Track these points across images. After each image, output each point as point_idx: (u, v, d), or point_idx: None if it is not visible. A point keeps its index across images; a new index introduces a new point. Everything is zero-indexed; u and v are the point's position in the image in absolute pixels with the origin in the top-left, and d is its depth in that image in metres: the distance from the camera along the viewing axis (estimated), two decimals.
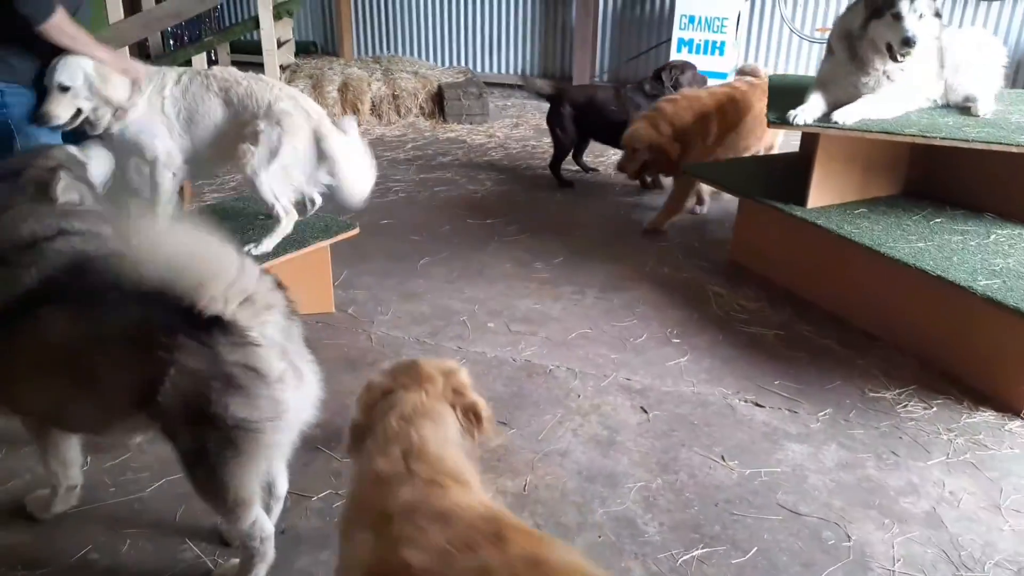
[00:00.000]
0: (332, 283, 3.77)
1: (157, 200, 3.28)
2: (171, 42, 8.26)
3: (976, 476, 2.65)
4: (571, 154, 5.72)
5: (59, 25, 2.82)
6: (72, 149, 2.35)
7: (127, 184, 3.22)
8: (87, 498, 2.41)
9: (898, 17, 3.37)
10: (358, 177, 3.41)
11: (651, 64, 7.74)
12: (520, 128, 7.19)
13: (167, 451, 1.93)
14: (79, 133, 3.07)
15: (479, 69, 8.71)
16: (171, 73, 3.24)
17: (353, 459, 1.67)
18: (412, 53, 9.01)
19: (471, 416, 1.70)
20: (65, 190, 2.11)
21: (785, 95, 3.95)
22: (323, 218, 3.71)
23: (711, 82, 5.48)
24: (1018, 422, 2.93)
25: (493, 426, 1.77)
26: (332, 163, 3.30)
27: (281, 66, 7.15)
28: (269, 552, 2.06)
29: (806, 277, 3.87)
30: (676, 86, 5.27)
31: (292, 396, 1.87)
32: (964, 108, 3.80)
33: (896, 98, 3.63)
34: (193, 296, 1.67)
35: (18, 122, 2.94)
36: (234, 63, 7.12)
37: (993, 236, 3.54)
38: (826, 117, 3.61)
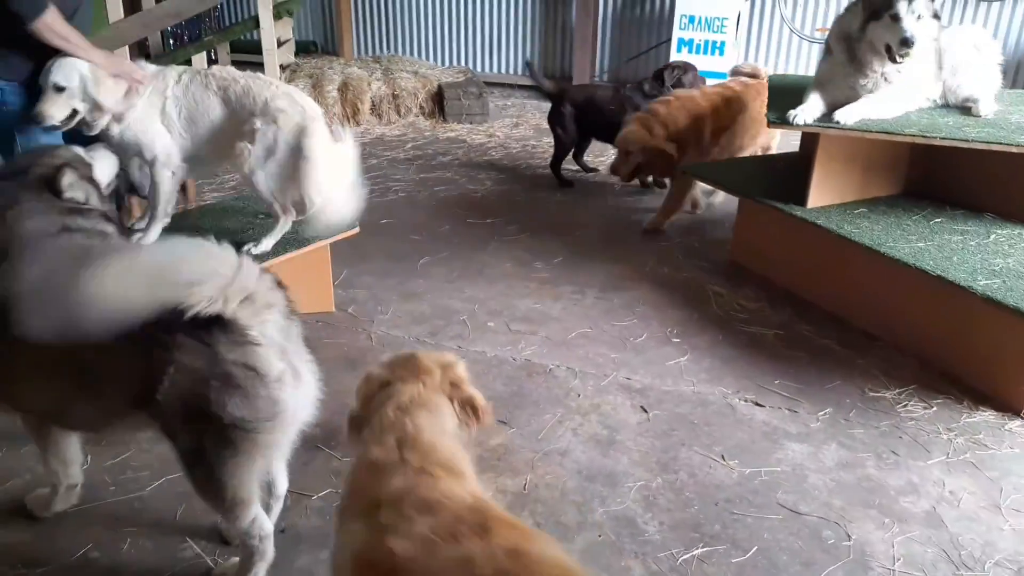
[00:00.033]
0: (332, 282, 3.77)
1: (157, 199, 3.27)
2: (171, 41, 8.24)
3: (976, 475, 2.65)
4: (572, 154, 5.73)
5: (50, 24, 2.80)
6: (78, 150, 2.36)
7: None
8: (87, 497, 2.41)
9: (896, 18, 3.37)
10: (332, 190, 3.26)
11: (651, 64, 7.74)
12: (520, 128, 7.19)
13: (167, 450, 1.93)
14: (77, 134, 3.06)
15: (479, 69, 8.71)
16: (171, 73, 3.23)
17: (352, 449, 1.69)
18: (412, 53, 9.01)
19: (468, 409, 1.72)
20: (71, 188, 2.12)
21: (785, 95, 3.95)
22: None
23: (709, 82, 5.48)
24: (1018, 422, 2.93)
25: (490, 418, 1.78)
26: (305, 163, 3.16)
27: (281, 66, 7.14)
28: (268, 551, 2.06)
29: (806, 277, 3.87)
30: (677, 87, 5.26)
31: (290, 396, 1.87)
32: (965, 108, 3.80)
33: (897, 98, 3.63)
34: (185, 301, 1.66)
35: (17, 120, 2.95)
36: (234, 63, 7.10)
37: (993, 236, 3.54)
38: (826, 117, 3.62)
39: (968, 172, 3.82)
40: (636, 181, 5.41)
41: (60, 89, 2.90)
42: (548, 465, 2.67)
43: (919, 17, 3.39)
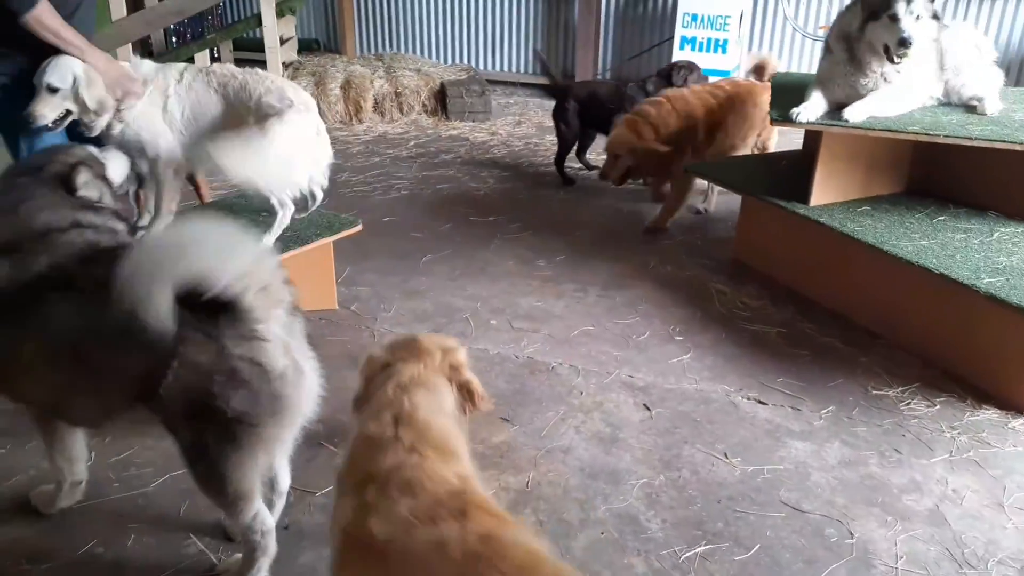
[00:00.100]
0: (335, 280, 3.77)
1: (161, 197, 3.28)
2: (174, 39, 8.25)
3: (979, 474, 2.65)
4: (575, 152, 5.73)
5: (40, 18, 2.76)
6: (92, 149, 2.38)
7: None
8: (92, 493, 2.42)
9: (895, 19, 3.37)
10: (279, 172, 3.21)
11: (653, 62, 7.74)
12: (522, 126, 7.19)
13: (171, 447, 1.93)
14: (77, 134, 3.06)
15: (481, 67, 8.70)
16: (172, 72, 3.23)
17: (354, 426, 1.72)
18: (414, 51, 9.00)
19: (465, 393, 1.75)
20: (85, 185, 2.14)
21: (788, 93, 3.94)
22: (326, 215, 3.72)
23: (712, 80, 5.47)
24: (1021, 420, 2.93)
25: (486, 405, 1.81)
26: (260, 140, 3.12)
27: (284, 64, 7.14)
28: (271, 546, 2.07)
29: (809, 275, 3.87)
30: (683, 87, 5.26)
31: (293, 392, 1.87)
32: (969, 107, 3.79)
33: (903, 95, 3.62)
34: (207, 281, 1.67)
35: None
36: (237, 61, 7.12)
37: (996, 234, 3.54)
38: (828, 115, 3.62)
39: (971, 170, 3.81)
40: (640, 180, 5.39)
41: (53, 90, 2.87)
42: (551, 463, 2.67)
43: (918, 18, 3.39)
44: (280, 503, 2.29)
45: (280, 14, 7.02)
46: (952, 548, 2.33)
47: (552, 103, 5.77)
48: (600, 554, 2.28)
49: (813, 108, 3.62)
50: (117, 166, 2.43)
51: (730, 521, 2.42)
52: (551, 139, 6.52)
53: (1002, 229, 3.59)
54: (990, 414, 2.97)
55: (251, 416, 1.81)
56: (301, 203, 3.50)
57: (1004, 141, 3.35)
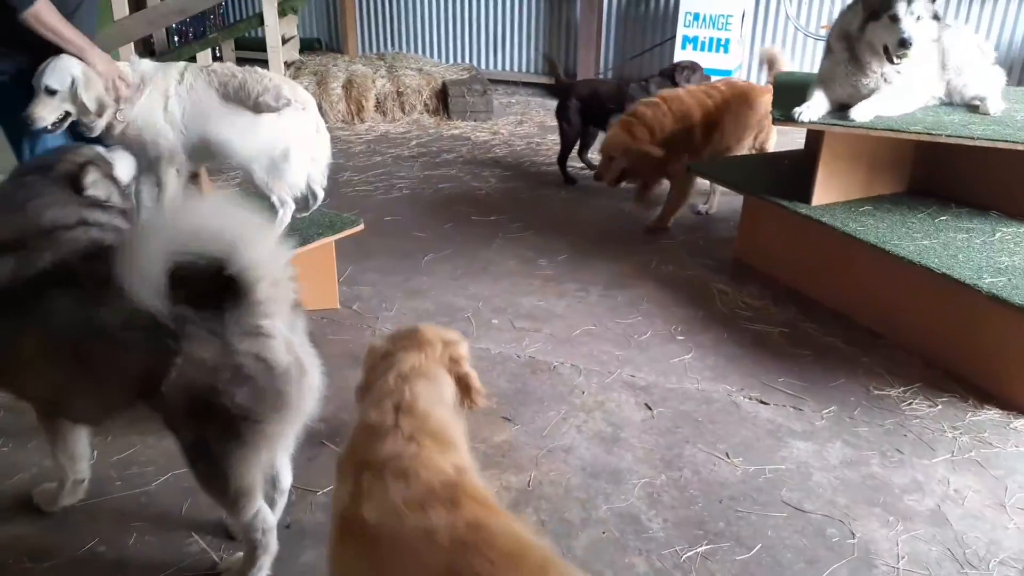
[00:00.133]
0: (337, 279, 3.77)
1: (163, 197, 3.28)
2: (176, 39, 8.25)
3: (981, 474, 2.65)
4: (577, 151, 5.73)
5: (39, 15, 2.76)
6: (100, 149, 2.40)
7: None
8: (94, 491, 2.42)
9: (895, 19, 3.36)
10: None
11: (655, 61, 7.73)
12: (524, 125, 7.19)
13: (173, 446, 1.94)
14: (78, 134, 3.06)
15: (483, 66, 8.70)
16: (173, 72, 3.22)
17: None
18: (416, 50, 9.00)
19: (463, 387, 1.77)
20: (93, 184, 2.16)
21: (791, 92, 3.94)
22: (328, 214, 3.72)
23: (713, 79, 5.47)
24: (1023, 420, 2.93)
25: (483, 400, 1.82)
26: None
27: (286, 63, 7.15)
28: (272, 544, 2.07)
29: (811, 275, 3.87)
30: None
31: (296, 389, 1.88)
32: (972, 107, 3.79)
33: (907, 94, 3.62)
34: (227, 260, 1.68)
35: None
36: (239, 60, 7.13)
37: (999, 234, 3.53)
38: (831, 114, 3.62)
39: (973, 170, 3.81)
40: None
41: (52, 92, 2.87)
42: (552, 462, 2.67)
43: (918, 18, 3.38)
44: (282, 501, 2.29)
45: (282, 13, 7.02)
46: (954, 548, 2.33)
47: (554, 103, 5.77)
48: (601, 553, 2.28)
49: (815, 108, 3.61)
50: (124, 166, 2.45)
51: (731, 521, 2.42)
52: (553, 138, 6.52)
53: (1004, 229, 3.59)
54: (992, 414, 2.96)
55: (254, 412, 1.82)
56: (302, 202, 3.51)
57: (1006, 141, 3.35)
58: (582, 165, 5.86)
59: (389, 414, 1.58)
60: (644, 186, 4.74)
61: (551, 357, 3.33)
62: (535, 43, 8.49)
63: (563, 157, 5.61)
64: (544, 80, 8.32)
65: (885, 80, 3.54)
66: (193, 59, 6.73)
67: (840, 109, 3.67)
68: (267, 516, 2.04)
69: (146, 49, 7.64)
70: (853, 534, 2.38)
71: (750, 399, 3.06)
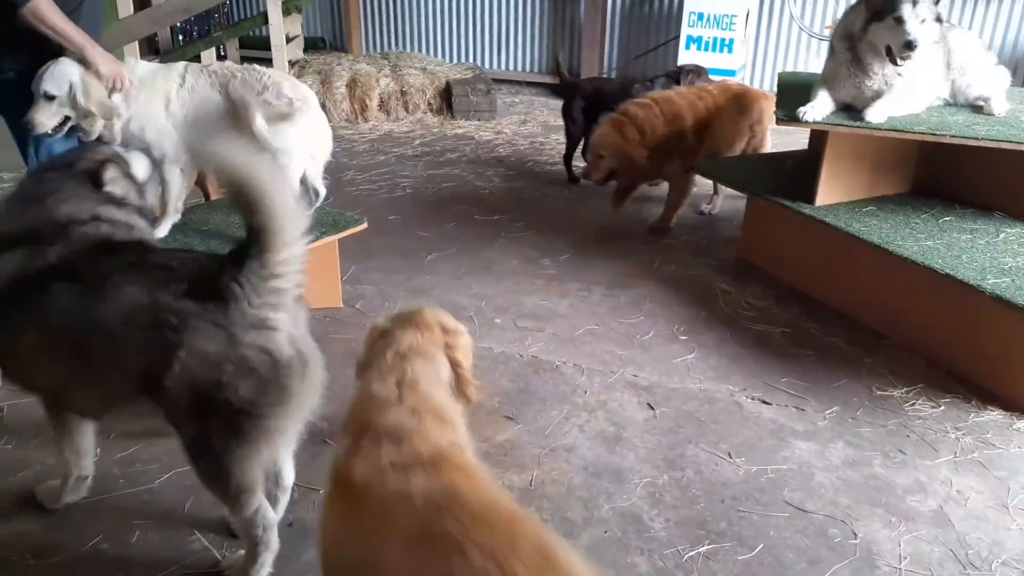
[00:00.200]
0: (340, 278, 3.78)
1: (167, 196, 3.29)
2: (180, 37, 8.27)
3: (984, 475, 2.64)
4: (581, 150, 5.73)
5: (37, 11, 2.74)
6: (118, 149, 2.45)
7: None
8: (97, 489, 2.43)
9: (900, 21, 3.35)
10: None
11: (659, 61, 7.73)
12: (528, 125, 7.19)
13: (176, 444, 1.94)
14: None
15: (487, 66, 8.70)
16: (173, 74, 3.22)
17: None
18: (420, 49, 9.01)
19: (456, 374, 1.80)
20: (112, 181, 2.20)
21: (795, 92, 3.94)
22: (331, 213, 3.73)
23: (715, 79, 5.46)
24: None
25: (473, 393, 1.83)
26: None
27: (290, 62, 7.16)
28: (273, 541, 2.08)
29: (814, 275, 3.86)
30: None
31: (298, 383, 1.88)
32: (976, 107, 3.78)
33: (916, 95, 3.62)
34: (260, 216, 1.72)
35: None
36: (243, 59, 7.14)
37: (1002, 235, 3.53)
38: (835, 114, 3.62)
39: (977, 170, 3.80)
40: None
41: (50, 98, 2.87)
42: (554, 461, 2.67)
43: (923, 21, 3.37)
44: (284, 499, 2.30)
45: (286, 12, 7.03)
46: (956, 549, 2.33)
47: (558, 102, 5.77)
48: (603, 553, 2.28)
49: (820, 107, 3.61)
50: (141, 165, 2.50)
51: (733, 521, 2.42)
52: (556, 138, 6.53)
53: (1008, 230, 3.58)
54: (995, 415, 2.96)
55: (256, 406, 1.83)
56: (303, 201, 3.51)
57: (1011, 141, 3.34)
58: (584, 164, 5.86)
59: (393, 388, 1.62)
60: (624, 189, 4.67)
61: (554, 356, 3.33)
62: (539, 42, 8.48)
63: (568, 156, 5.62)
64: (548, 80, 8.32)
65: (887, 82, 3.54)
66: (197, 58, 6.75)
67: (844, 109, 3.67)
68: (268, 513, 2.05)
69: (150, 48, 7.65)
70: (855, 534, 2.37)
71: (753, 399, 3.06)
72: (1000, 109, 3.69)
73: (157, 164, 3.22)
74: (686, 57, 6.90)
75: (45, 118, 2.88)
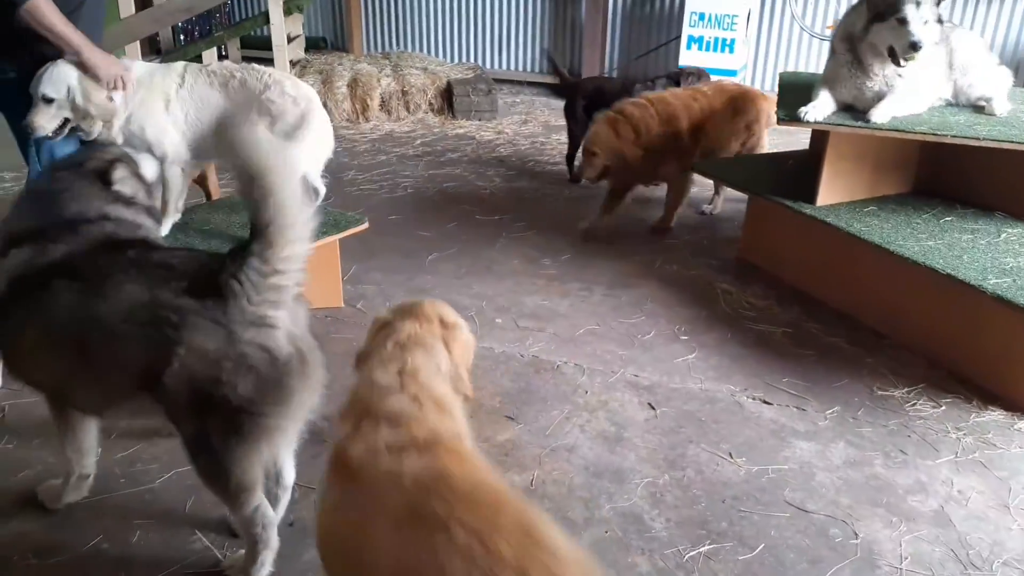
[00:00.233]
0: (341, 278, 3.78)
1: (167, 196, 3.29)
2: (181, 37, 8.28)
3: (985, 475, 2.64)
4: (582, 149, 5.74)
5: (34, 11, 2.73)
6: (127, 149, 2.49)
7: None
8: (98, 489, 2.43)
9: (903, 22, 3.35)
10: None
11: (660, 61, 7.73)
12: (529, 125, 7.19)
13: (177, 444, 1.95)
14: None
15: (488, 65, 8.70)
16: (171, 74, 3.22)
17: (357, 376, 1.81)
18: (421, 49, 9.01)
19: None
20: (121, 181, 2.23)
21: (796, 92, 3.94)
22: (332, 213, 3.73)
23: (713, 79, 5.45)
24: None
25: (470, 388, 1.84)
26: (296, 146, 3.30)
27: (291, 62, 7.16)
28: (272, 539, 2.08)
29: (815, 275, 3.86)
30: None
31: (297, 381, 1.89)
32: (978, 108, 3.78)
33: (918, 94, 3.62)
34: (268, 211, 1.73)
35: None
36: (244, 58, 7.14)
37: (1004, 235, 3.52)
38: (836, 114, 3.62)
39: (979, 171, 3.80)
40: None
41: (49, 100, 2.87)
42: (555, 461, 2.67)
43: (925, 22, 3.37)
44: (285, 498, 2.30)
45: (287, 12, 7.03)
46: (957, 549, 2.33)
47: (559, 102, 5.77)
48: (604, 553, 2.28)
49: (821, 107, 3.61)
50: (149, 165, 2.51)
51: (734, 521, 2.42)
52: (557, 138, 6.53)
53: (1009, 230, 3.58)
54: (996, 415, 2.96)
55: (256, 404, 1.83)
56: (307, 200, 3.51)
57: (1012, 142, 3.34)
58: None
59: (394, 376, 1.64)
60: (615, 194, 4.58)
61: (555, 356, 3.33)
62: (540, 42, 8.48)
63: (570, 155, 5.62)
64: (549, 80, 8.31)
65: (887, 83, 3.54)
66: (199, 58, 6.75)
67: (845, 109, 3.67)
68: (267, 511, 2.05)
69: (152, 48, 7.66)
70: (856, 534, 2.37)
71: (753, 399, 3.06)
72: (1002, 109, 3.69)
73: (158, 163, 3.23)
74: (687, 57, 6.90)
75: (44, 121, 2.88)
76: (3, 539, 2.27)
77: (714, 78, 5.45)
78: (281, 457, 2.20)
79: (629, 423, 2.89)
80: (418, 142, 6.62)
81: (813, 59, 7.60)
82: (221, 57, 7.26)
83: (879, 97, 3.57)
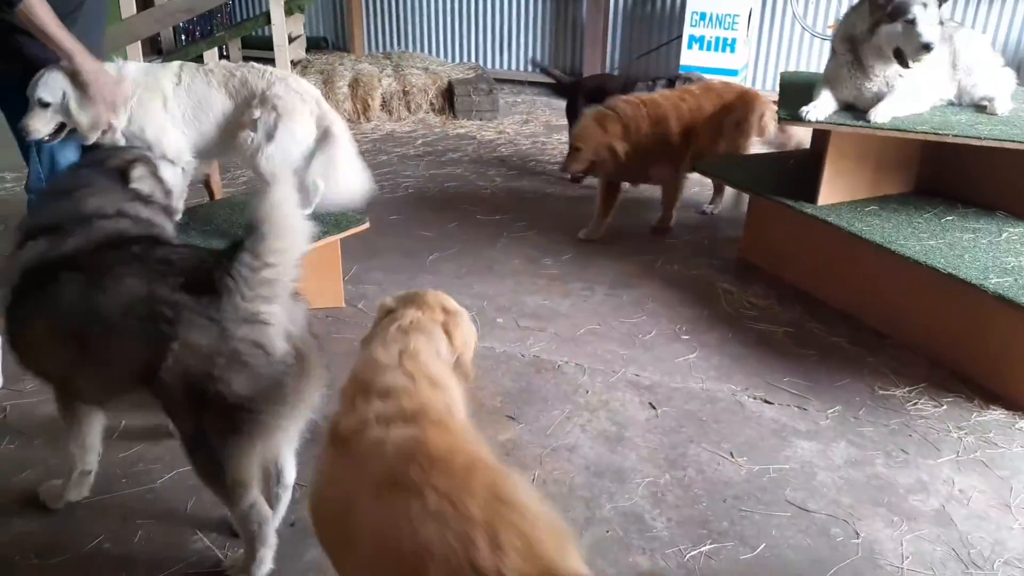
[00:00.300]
0: (342, 278, 3.78)
1: (169, 196, 3.29)
2: (183, 37, 8.29)
3: (986, 474, 2.64)
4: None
5: (29, 12, 2.68)
6: (146, 151, 2.55)
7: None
8: (100, 488, 2.44)
9: (912, 23, 3.34)
10: (351, 169, 3.49)
11: (661, 61, 7.72)
12: (530, 124, 7.19)
13: (178, 444, 1.95)
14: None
15: (489, 65, 8.70)
16: (168, 74, 3.20)
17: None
18: (422, 49, 9.01)
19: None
20: (140, 179, 2.28)
21: (797, 92, 3.94)
22: (333, 213, 3.72)
23: (717, 78, 5.44)
24: None
25: (469, 370, 1.87)
26: (332, 144, 3.38)
27: (292, 61, 7.17)
28: (270, 536, 2.08)
29: (816, 275, 3.86)
30: None
31: (294, 379, 1.89)
32: (980, 107, 3.77)
33: (921, 94, 3.62)
34: (259, 209, 1.75)
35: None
36: (245, 58, 7.14)
37: (1005, 234, 3.52)
38: (838, 114, 3.61)
39: (980, 170, 3.80)
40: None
41: (45, 104, 2.86)
42: (556, 461, 2.67)
43: (932, 23, 3.36)
44: (286, 497, 2.29)
45: (289, 12, 7.04)
46: (958, 548, 2.32)
47: (560, 102, 5.77)
48: (605, 552, 2.28)
49: (822, 107, 3.61)
50: (170, 168, 2.55)
51: (735, 520, 2.42)
52: (558, 138, 6.53)
53: (1011, 229, 3.58)
54: (997, 415, 2.96)
55: (251, 401, 1.84)
56: (303, 197, 3.50)
57: (1014, 141, 3.34)
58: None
59: (395, 356, 1.68)
60: (605, 196, 4.53)
61: (555, 356, 3.33)
62: (540, 42, 8.48)
63: None
64: (550, 80, 8.31)
65: (887, 83, 3.54)
66: (200, 58, 6.76)
67: (846, 109, 3.67)
68: (263, 509, 2.05)
69: (153, 48, 7.67)
70: (857, 534, 2.37)
71: (755, 399, 3.06)
72: (1004, 109, 3.69)
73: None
74: (688, 57, 6.89)
75: (40, 124, 2.88)
76: (5, 539, 2.28)
77: (708, 77, 5.44)
78: (282, 456, 2.20)
79: (630, 423, 2.89)
80: (419, 142, 6.62)
81: (814, 59, 7.59)
82: (222, 57, 7.27)
83: (878, 97, 3.57)
